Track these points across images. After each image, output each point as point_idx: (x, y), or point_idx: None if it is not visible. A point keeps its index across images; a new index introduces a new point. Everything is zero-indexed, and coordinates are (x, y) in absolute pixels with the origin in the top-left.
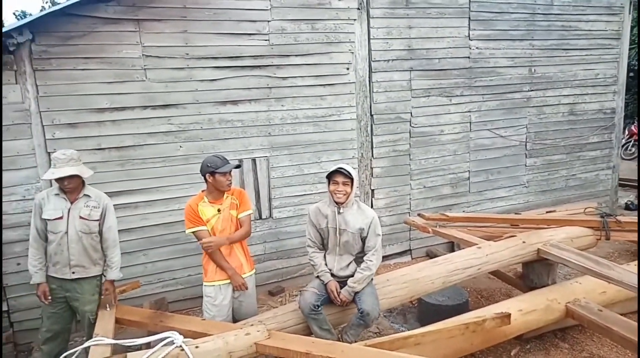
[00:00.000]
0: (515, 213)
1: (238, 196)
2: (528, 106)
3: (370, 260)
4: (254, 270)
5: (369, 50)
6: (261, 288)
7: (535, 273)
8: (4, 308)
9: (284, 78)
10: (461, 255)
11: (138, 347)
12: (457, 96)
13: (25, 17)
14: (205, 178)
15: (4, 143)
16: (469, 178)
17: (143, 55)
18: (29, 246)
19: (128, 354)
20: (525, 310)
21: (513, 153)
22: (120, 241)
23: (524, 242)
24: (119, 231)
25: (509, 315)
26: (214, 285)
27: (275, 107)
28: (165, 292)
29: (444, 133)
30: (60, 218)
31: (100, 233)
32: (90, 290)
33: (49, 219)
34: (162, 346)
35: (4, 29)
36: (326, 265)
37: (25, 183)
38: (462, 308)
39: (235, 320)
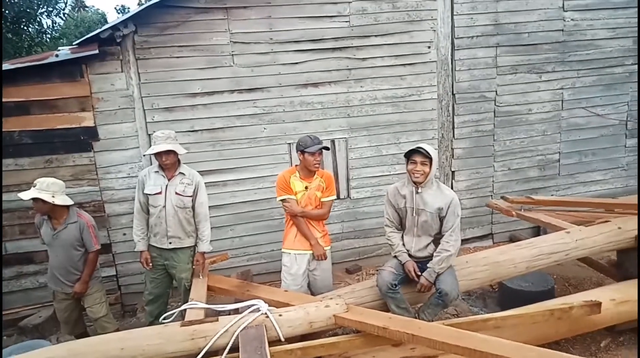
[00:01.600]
0: (612, 198)
1: (326, 180)
2: (630, 81)
3: (448, 241)
4: (329, 246)
5: (452, 27)
6: (338, 266)
7: (631, 261)
8: (113, 273)
9: (363, 59)
10: (547, 239)
11: (227, 312)
12: (548, 72)
13: (125, 11)
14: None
15: (112, 125)
16: (559, 160)
17: (231, 41)
18: (134, 217)
19: (219, 317)
20: (619, 299)
21: (611, 132)
22: (210, 217)
23: (619, 228)
24: (209, 207)
25: (600, 303)
26: (289, 254)
27: (355, 88)
28: (250, 265)
29: (532, 112)
30: (159, 193)
31: (193, 208)
32: (185, 259)
33: (149, 194)
34: (249, 312)
35: (111, 24)
36: (404, 245)
37: (129, 162)
38: (546, 295)
39: (312, 294)
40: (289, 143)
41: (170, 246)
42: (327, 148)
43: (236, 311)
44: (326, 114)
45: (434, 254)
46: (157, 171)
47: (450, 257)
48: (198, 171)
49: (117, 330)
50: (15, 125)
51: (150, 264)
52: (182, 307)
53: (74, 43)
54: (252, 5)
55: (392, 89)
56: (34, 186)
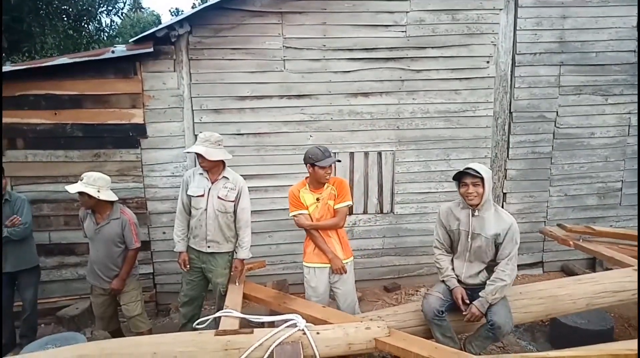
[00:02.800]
0: None
1: (337, 187)
2: None
3: (504, 270)
4: (350, 258)
5: (514, 42)
6: (377, 282)
7: None
8: (150, 270)
9: (417, 71)
10: (612, 275)
11: (263, 324)
12: (615, 94)
13: (178, 13)
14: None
15: (161, 124)
16: (621, 189)
17: (283, 46)
18: (176, 217)
19: (255, 330)
20: None
21: None
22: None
23: None
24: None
25: None
26: (309, 267)
27: (406, 100)
28: (286, 274)
29: (595, 136)
30: (202, 195)
31: (235, 213)
32: (223, 264)
33: (192, 196)
34: (285, 327)
35: (168, 23)
36: (453, 269)
37: (174, 161)
38: (604, 335)
39: (338, 307)
40: (335, 153)
41: (209, 250)
42: (338, 161)
43: (272, 324)
44: (375, 125)
45: (488, 282)
46: (202, 174)
47: (505, 287)
48: (241, 175)
49: (150, 330)
50: (68, 118)
51: (188, 266)
52: (217, 314)
53: (130, 40)
54: (307, 11)
55: (445, 103)
56: (81, 180)
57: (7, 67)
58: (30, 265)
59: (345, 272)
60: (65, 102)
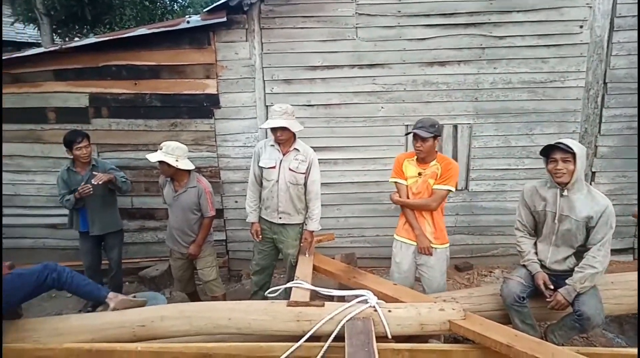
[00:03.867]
0: None
1: (443, 167)
2: None
3: (595, 256)
4: (444, 245)
5: (614, 3)
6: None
7: None
8: (223, 237)
9: (500, 37)
10: None
11: (332, 298)
12: None
13: None
14: None
15: (233, 94)
16: None
17: (356, 13)
18: (248, 188)
19: (326, 303)
20: None
21: None
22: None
23: None
24: None
25: None
26: (397, 240)
27: (487, 69)
28: (353, 247)
29: None
30: (273, 167)
31: (305, 185)
32: (294, 235)
33: (264, 167)
34: (356, 302)
35: None
36: (536, 253)
37: (246, 132)
38: None
39: (423, 292)
40: (407, 125)
41: (280, 221)
42: (421, 136)
43: (341, 298)
44: (451, 97)
45: (576, 269)
46: (273, 145)
47: (596, 275)
48: (312, 147)
49: (224, 294)
50: (147, 88)
51: (260, 236)
52: (288, 285)
53: (204, 10)
54: None
55: (530, 72)
56: (160, 149)
57: (91, 39)
58: (115, 228)
59: (430, 254)
60: (144, 73)
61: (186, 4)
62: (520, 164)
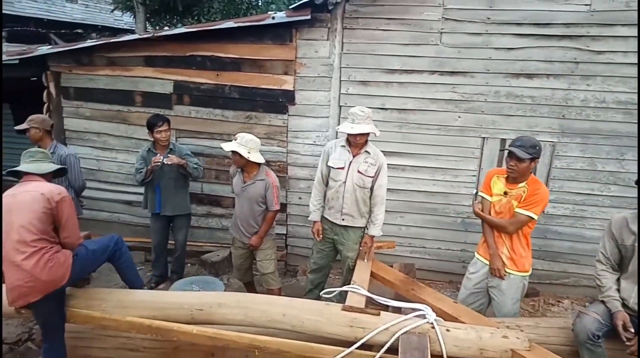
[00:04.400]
0: None
1: (530, 189)
2: None
3: None
4: (521, 273)
5: None
6: None
7: None
8: (283, 232)
9: (598, 52)
10: None
11: (387, 307)
12: None
13: None
14: None
15: (309, 92)
16: None
17: (442, 18)
18: (313, 186)
19: (381, 312)
20: None
21: None
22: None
23: None
24: None
25: None
26: (475, 258)
27: (579, 86)
28: (412, 258)
29: None
30: (342, 168)
31: (372, 189)
32: (355, 238)
33: (332, 167)
34: (413, 316)
35: None
36: (618, 290)
37: (317, 130)
38: None
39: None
40: (484, 137)
41: (343, 223)
42: (516, 156)
43: (398, 310)
44: (535, 111)
45: None
46: (344, 146)
47: None
48: (380, 151)
49: (280, 289)
50: (227, 79)
51: (321, 236)
52: (345, 288)
53: (289, 7)
54: None
55: (628, 92)
56: (235, 139)
57: (182, 29)
58: (184, 211)
59: (501, 277)
60: (226, 65)
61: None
62: (606, 190)
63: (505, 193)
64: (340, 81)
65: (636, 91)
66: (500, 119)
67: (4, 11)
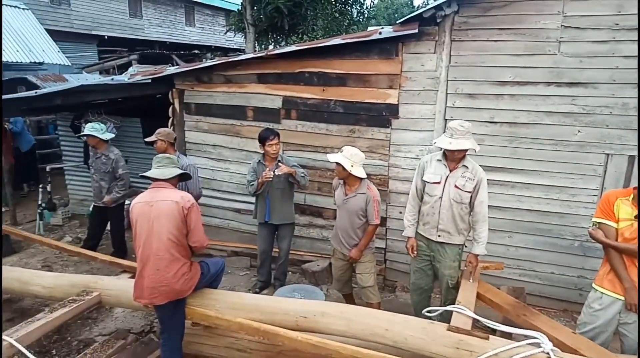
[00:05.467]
0: None
1: None
2: None
3: None
4: None
5: None
6: None
7: None
8: (382, 246)
9: None
10: None
11: (494, 331)
12: None
13: None
14: None
15: (413, 105)
16: None
17: (561, 26)
18: (408, 202)
19: (490, 337)
20: None
21: None
22: (488, 217)
23: None
24: (489, 206)
25: None
26: (597, 291)
27: None
28: (521, 281)
29: None
30: (438, 183)
31: (471, 205)
32: (452, 256)
33: (427, 182)
34: (526, 344)
35: (436, 3)
36: None
37: (420, 144)
38: None
39: (621, 351)
40: (608, 154)
41: (439, 240)
42: None
43: (508, 335)
44: None
45: None
46: (440, 160)
47: None
48: (486, 166)
49: (379, 303)
50: (333, 94)
51: (416, 252)
52: (451, 308)
53: (397, 22)
54: None
55: None
56: (340, 152)
57: (292, 47)
58: (289, 220)
59: (635, 311)
60: (332, 80)
61: (371, 15)
62: None
63: (636, 217)
64: (447, 94)
65: None
66: (628, 134)
67: (135, 36)
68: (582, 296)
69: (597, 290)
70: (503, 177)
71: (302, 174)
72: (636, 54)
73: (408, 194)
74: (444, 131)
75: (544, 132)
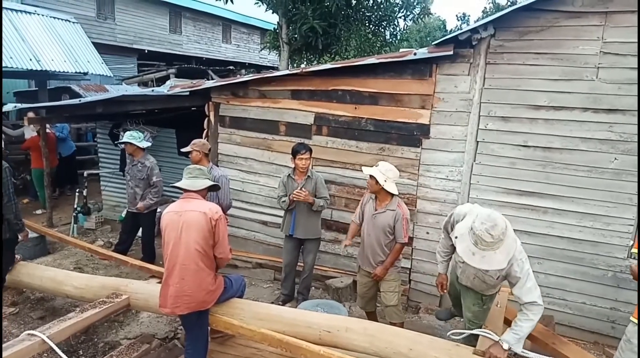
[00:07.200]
0: None
1: None
2: None
3: None
4: None
5: None
6: None
7: None
8: (408, 265)
9: None
10: None
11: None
12: None
13: (465, 18)
14: None
15: (444, 126)
16: None
17: (600, 52)
18: (441, 237)
19: None
20: None
21: None
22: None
23: None
24: (517, 231)
25: None
26: (635, 324)
27: None
28: (550, 310)
29: None
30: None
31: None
32: (474, 300)
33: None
34: None
35: (472, 26)
36: None
37: (450, 165)
38: None
39: None
40: None
41: (466, 284)
42: None
43: None
44: None
45: None
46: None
47: None
48: (518, 190)
49: (402, 323)
50: (364, 112)
51: (446, 289)
52: (476, 331)
53: (433, 43)
54: None
55: None
56: (376, 166)
57: (327, 65)
58: (315, 236)
59: None
60: (364, 99)
61: (404, 37)
62: None
63: None
64: (479, 116)
65: None
66: None
67: (174, 51)
68: (615, 329)
69: (635, 323)
70: (535, 202)
71: (321, 205)
72: None
73: (436, 214)
74: (476, 153)
75: (579, 158)
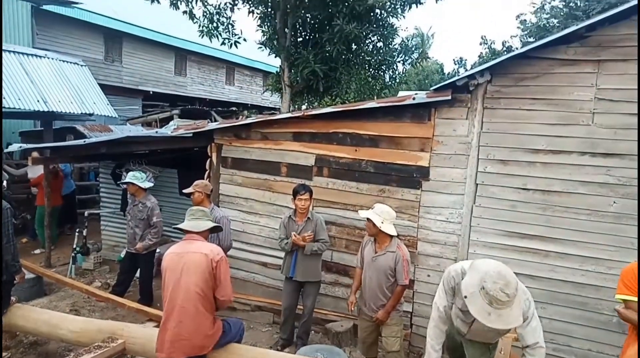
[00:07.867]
0: None
1: None
2: None
3: None
4: None
5: None
6: None
7: None
8: (409, 309)
9: None
10: None
11: None
12: None
13: (462, 62)
14: None
15: (443, 169)
16: None
17: (595, 98)
18: (434, 322)
19: None
20: None
21: None
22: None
23: None
24: (519, 274)
25: None
26: None
27: None
28: (555, 356)
29: None
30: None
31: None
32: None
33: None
34: None
35: (469, 72)
36: None
37: (450, 207)
38: None
39: None
40: None
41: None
42: None
43: None
44: None
45: None
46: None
47: None
48: (519, 233)
49: None
50: (364, 154)
51: None
52: None
53: (432, 88)
54: (632, 58)
55: None
56: (372, 209)
57: (328, 108)
58: (315, 278)
59: None
60: (365, 141)
61: (402, 80)
62: None
63: None
64: (478, 158)
65: None
66: None
67: (178, 92)
68: None
69: None
70: (536, 245)
71: (314, 249)
72: None
73: (437, 257)
74: (475, 196)
75: (579, 201)
